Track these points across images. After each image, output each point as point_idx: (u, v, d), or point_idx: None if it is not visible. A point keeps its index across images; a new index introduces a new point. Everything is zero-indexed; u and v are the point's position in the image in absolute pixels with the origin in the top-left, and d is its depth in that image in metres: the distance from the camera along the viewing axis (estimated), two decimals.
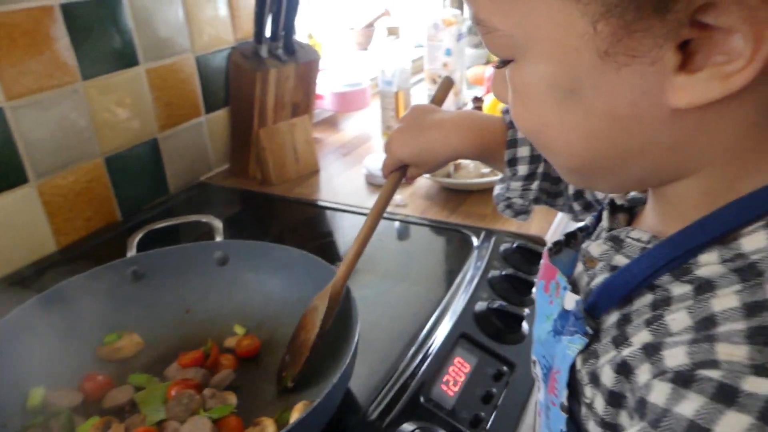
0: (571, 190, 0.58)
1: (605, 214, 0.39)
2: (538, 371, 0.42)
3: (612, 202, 0.40)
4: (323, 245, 0.95)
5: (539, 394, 0.43)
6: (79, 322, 0.65)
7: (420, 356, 0.66)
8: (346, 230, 1.00)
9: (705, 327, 0.27)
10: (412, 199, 1.04)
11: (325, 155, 1.29)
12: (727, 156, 0.29)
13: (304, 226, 1.04)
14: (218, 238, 0.78)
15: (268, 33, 1.11)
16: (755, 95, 0.27)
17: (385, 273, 0.84)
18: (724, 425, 0.24)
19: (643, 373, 0.29)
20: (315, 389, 0.60)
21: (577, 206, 0.58)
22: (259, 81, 1.08)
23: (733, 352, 0.25)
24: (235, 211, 1.11)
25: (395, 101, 1.27)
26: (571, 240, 0.43)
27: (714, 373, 0.25)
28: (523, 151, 0.57)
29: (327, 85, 1.43)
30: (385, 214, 0.96)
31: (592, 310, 0.34)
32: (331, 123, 1.50)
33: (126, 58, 1.01)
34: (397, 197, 1.03)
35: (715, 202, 0.30)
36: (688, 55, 0.26)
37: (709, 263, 0.29)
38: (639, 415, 0.28)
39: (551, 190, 0.59)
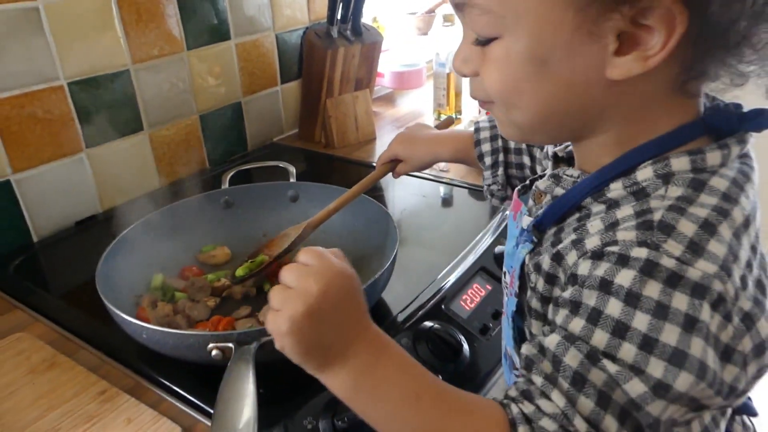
0: (538, 171, 0.70)
1: (550, 164, 0.54)
2: (507, 280, 0.56)
3: (555, 155, 0.54)
4: (375, 197, 1.12)
5: (505, 300, 0.57)
6: (186, 232, 0.86)
7: (445, 281, 0.82)
8: (395, 188, 1.17)
9: (612, 227, 0.42)
10: (454, 167, 1.20)
11: (382, 126, 1.47)
12: (634, 116, 0.43)
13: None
14: (292, 180, 0.97)
15: (338, 16, 1.28)
16: (656, 76, 0.40)
17: (427, 220, 1.01)
18: (620, 277, 0.39)
19: (571, 257, 0.43)
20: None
21: None
22: (329, 58, 1.26)
23: (626, 235, 0.40)
24: (303, 167, 1.30)
25: (447, 81, 1.43)
26: (531, 185, 0.57)
27: (615, 248, 0.40)
28: (485, 147, 0.74)
29: (387, 65, 1.60)
30: (431, 176, 1.13)
31: (539, 226, 0.48)
32: (388, 99, 1.67)
33: (221, 34, 1.21)
34: (441, 164, 1.20)
35: (621, 149, 0.44)
36: (620, 42, 0.39)
37: (616, 189, 0.43)
38: (571, 284, 0.43)
39: (517, 176, 0.74)
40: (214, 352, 0.59)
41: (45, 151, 0.97)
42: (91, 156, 1.03)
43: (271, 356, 0.62)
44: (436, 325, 0.72)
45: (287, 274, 0.44)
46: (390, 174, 0.83)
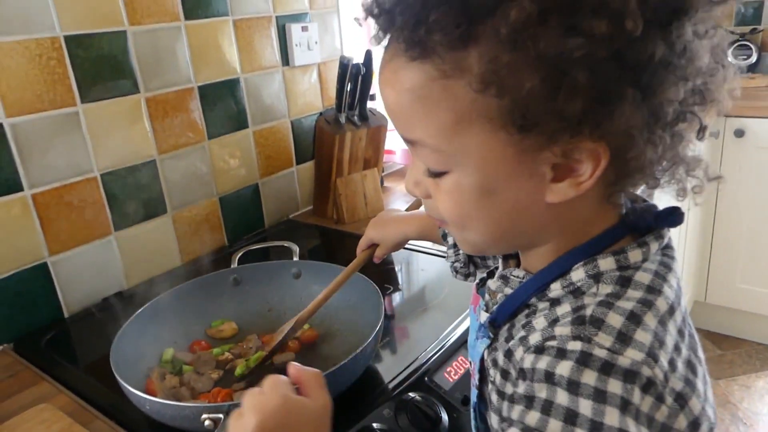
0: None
1: (501, 262, 0.60)
2: (472, 368, 0.61)
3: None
4: (379, 271, 1.20)
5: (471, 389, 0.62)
6: (197, 308, 0.94)
7: (432, 353, 0.88)
8: (399, 262, 1.24)
9: (553, 323, 0.47)
10: None
11: (393, 201, 1.55)
12: (569, 227, 0.49)
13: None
14: (295, 259, 1.06)
15: (346, 103, 1.40)
16: (587, 195, 0.45)
17: (425, 295, 1.08)
18: (560, 368, 0.44)
19: (519, 353, 0.49)
20: None
21: None
22: (338, 142, 1.37)
23: (563, 330, 0.46)
24: (316, 242, 1.39)
25: None
26: (488, 276, 0.63)
27: (553, 342, 0.45)
28: None
29: (399, 142, 1.70)
30: (435, 251, 1.21)
31: (494, 322, 0.53)
32: (400, 174, 1.76)
33: (239, 122, 1.34)
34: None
35: (558, 254, 0.50)
36: (555, 171, 0.44)
37: (556, 289, 0.48)
38: (522, 378, 0.47)
39: (477, 255, 0.79)
40: (206, 423, 0.66)
41: (78, 235, 1.08)
42: (119, 238, 1.14)
43: None
44: (417, 397, 0.78)
45: (246, 397, 0.50)
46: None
